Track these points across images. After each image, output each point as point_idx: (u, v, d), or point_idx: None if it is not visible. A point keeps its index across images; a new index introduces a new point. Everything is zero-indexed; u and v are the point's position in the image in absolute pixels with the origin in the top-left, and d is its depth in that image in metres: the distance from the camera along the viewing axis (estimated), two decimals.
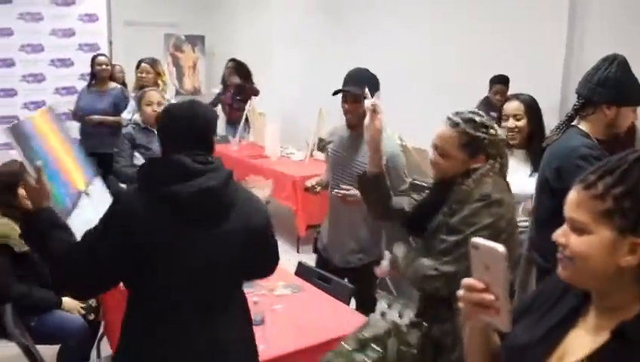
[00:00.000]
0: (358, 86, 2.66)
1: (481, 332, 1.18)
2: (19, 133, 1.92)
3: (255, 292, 2.59)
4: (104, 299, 2.98)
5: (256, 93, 6.76)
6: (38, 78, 7.67)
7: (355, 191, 2.68)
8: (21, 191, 2.78)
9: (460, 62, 5.27)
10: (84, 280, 1.69)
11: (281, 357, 2.16)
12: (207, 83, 8.54)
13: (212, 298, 1.76)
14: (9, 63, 7.47)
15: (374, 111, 2.10)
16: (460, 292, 1.10)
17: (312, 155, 5.71)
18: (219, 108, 7.21)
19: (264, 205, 2.02)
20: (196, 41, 8.63)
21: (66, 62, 7.71)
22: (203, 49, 8.69)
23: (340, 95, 2.86)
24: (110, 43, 7.96)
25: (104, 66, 5.27)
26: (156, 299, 1.73)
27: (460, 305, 1.11)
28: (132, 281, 1.75)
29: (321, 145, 5.58)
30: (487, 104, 4.75)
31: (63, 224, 1.78)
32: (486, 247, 1.06)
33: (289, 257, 4.50)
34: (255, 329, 2.15)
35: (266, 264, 2.00)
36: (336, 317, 2.47)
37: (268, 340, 2.19)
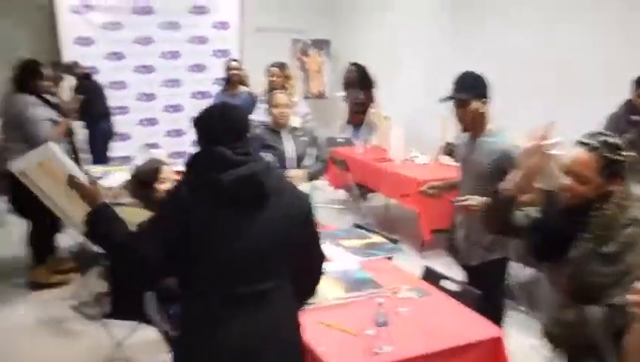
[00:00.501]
0: (464, 91, 2.82)
1: None
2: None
3: (379, 293, 2.57)
4: None
5: (372, 100, 6.77)
6: (176, 83, 8.16)
7: (474, 201, 2.68)
8: (159, 186, 2.98)
9: (595, 62, 4.96)
10: (145, 267, 1.81)
11: (407, 360, 2.13)
12: (331, 86, 8.65)
13: (255, 283, 1.82)
14: (150, 70, 8.00)
15: (543, 146, 2.03)
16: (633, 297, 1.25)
17: (437, 159, 5.63)
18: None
19: (308, 197, 2.07)
20: (322, 45, 8.78)
21: (200, 68, 8.15)
22: (328, 53, 8.81)
23: None
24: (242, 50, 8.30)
25: (235, 71, 5.50)
26: (201, 282, 1.83)
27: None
28: (183, 267, 1.84)
29: (448, 149, 5.47)
30: (629, 107, 4.43)
31: (120, 218, 1.93)
32: None
33: (414, 260, 4.45)
34: (379, 330, 2.16)
35: (312, 261, 2.03)
36: (464, 324, 2.40)
37: (392, 342, 2.17)
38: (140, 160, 3.95)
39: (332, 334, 2.31)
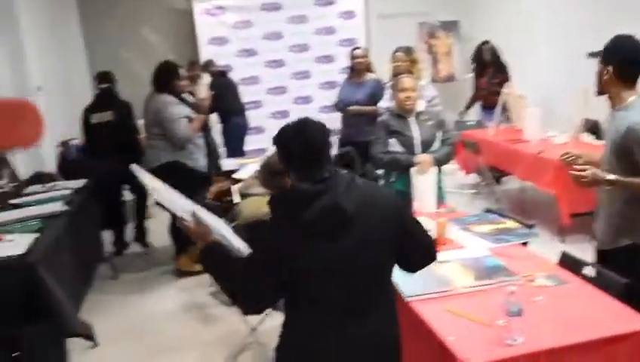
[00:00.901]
0: (607, 52, 2.61)
1: None
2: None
3: (512, 281, 2.45)
4: None
5: (506, 80, 6.45)
6: (305, 75, 8.31)
7: (589, 173, 2.53)
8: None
9: None
10: (254, 296, 1.91)
11: (543, 352, 2.00)
12: (461, 69, 8.37)
13: (356, 302, 1.87)
14: (280, 64, 8.22)
15: None
16: None
17: (577, 137, 5.25)
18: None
19: (393, 194, 2.13)
20: (450, 26, 8.52)
21: (328, 59, 8.24)
22: (458, 34, 8.54)
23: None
24: (368, 37, 8.27)
25: (360, 59, 5.49)
26: (303, 301, 1.89)
27: None
28: (288, 294, 1.91)
29: (590, 127, 5.09)
30: None
31: (228, 252, 2.07)
32: None
33: (551, 247, 4.21)
34: (512, 320, 2.05)
35: (416, 254, 2.06)
36: (606, 314, 2.21)
37: (526, 333, 2.05)
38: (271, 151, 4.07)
39: (461, 323, 2.23)
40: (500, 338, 2.06)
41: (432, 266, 2.30)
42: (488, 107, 6.58)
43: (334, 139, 6.69)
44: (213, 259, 2.03)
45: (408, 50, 5.01)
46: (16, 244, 3.39)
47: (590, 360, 2.05)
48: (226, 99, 7.05)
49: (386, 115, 4.00)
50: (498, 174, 5.93)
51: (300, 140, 1.88)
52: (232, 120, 7.08)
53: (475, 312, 2.27)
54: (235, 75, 7.70)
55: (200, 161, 4.70)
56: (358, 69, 5.50)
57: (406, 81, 3.88)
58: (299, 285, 1.87)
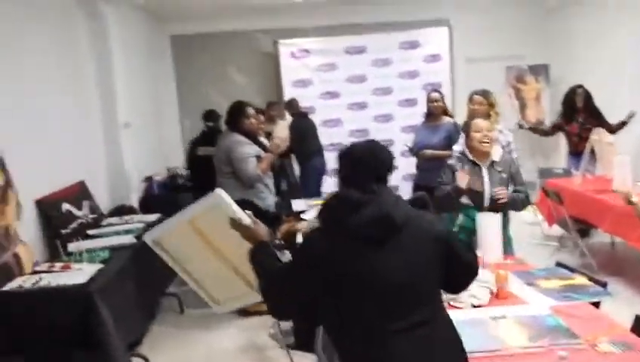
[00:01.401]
0: None
1: None
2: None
3: (571, 344, 2.22)
4: None
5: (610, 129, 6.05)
6: (387, 118, 8.26)
7: None
8: None
9: None
10: (280, 304, 1.99)
11: None
12: (551, 114, 8.02)
13: (408, 315, 1.83)
14: (362, 106, 8.23)
15: None
16: None
17: None
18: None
19: (436, 219, 2.13)
20: (540, 70, 8.22)
21: (411, 102, 8.15)
22: (547, 78, 8.22)
23: None
24: (452, 81, 8.13)
25: (435, 103, 5.37)
26: (353, 322, 1.85)
27: None
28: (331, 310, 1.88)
29: None
30: None
31: (274, 256, 2.14)
32: None
33: (633, 310, 3.82)
34: None
35: (459, 276, 2.08)
36: None
37: None
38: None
39: None
40: None
41: (485, 321, 2.31)
42: (577, 154, 6.22)
43: (409, 184, 6.64)
44: (261, 257, 2.13)
45: (485, 93, 4.83)
46: (81, 273, 3.51)
47: None
48: (305, 141, 7.12)
49: (455, 160, 3.84)
50: (584, 227, 5.54)
51: (369, 151, 1.98)
52: (311, 161, 7.11)
53: None
54: (317, 117, 7.77)
55: (268, 201, 4.71)
56: (434, 113, 5.38)
57: (481, 121, 3.72)
58: (345, 301, 1.84)
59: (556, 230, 6.06)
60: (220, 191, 2.42)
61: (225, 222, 2.35)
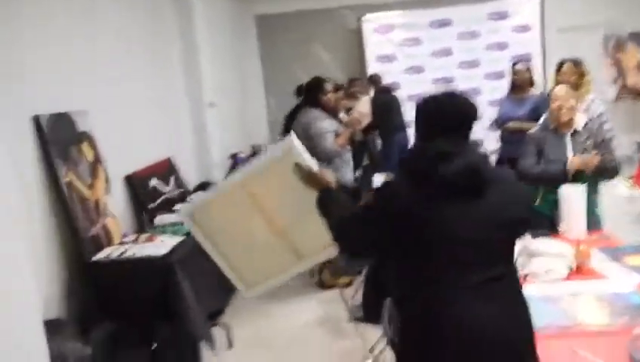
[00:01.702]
0: None
1: None
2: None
3: None
4: None
5: None
6: (475, 92, 7.99)
7: None
8: None
9: None
10: (353, 242, 2.01)
11: None
12: None
13: (485, 269, 1.80)
14: (448, 80, 8.01)
15: None
16: None
17: None
18: None
19: (526, 189, 2.14)
20: None
21: (499, 75, 7.84)
22: None
23: None
24: (544, 52, 7.75)
25: (520, 75, 5.14)
26: (429, 271, 1.83)
27: None
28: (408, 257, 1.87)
29: None
30: None
31: (342, 199, 2.18)
32: None
33: None
34: None
35: None
36: None
37: None
38: None
39: None
40: None
41: (563, 298, 2.26)
42: None
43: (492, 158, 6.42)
44: (330, 200, 2.15)
45: (576, 63, 4.55)
46: (164, 245, 3.65)
47: None
48: (388, 116, 7.03)
49: (538, 128, 3.66)
50: None
51: (454, 103, 1.91)
52: (394, 136, 7.02)
53: (598, 353, 1.95)
54: (401, 93, 7.66)
55: (347, 176, 4.69)
56: (518, 85, 5.15)
57: (559, 89, 3.53)
58: (423, 250, 1.83)
59: None
60: (292, 136, 2.39)
61: (281, 182, 2.34)
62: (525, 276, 2.63)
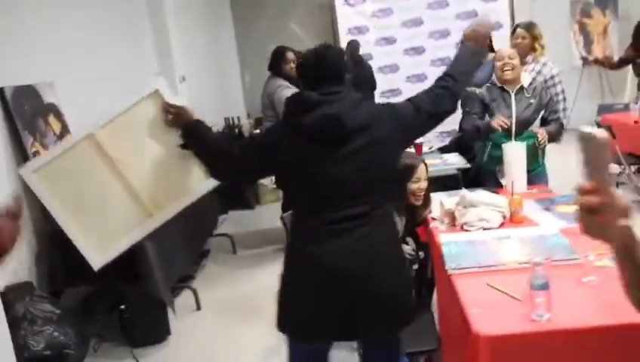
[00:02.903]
0: None
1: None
2: None
3: (568, 260, 2.24)
4: (435, 262, 2.95)
5: None
6: (445, 62, 8.06)
7: None
8: (410, 185, 2.82)
9: None
10: (231, 167, 2.20)
11: (562, 332, 1.82)
12: (619, 49, 7.63)
13: (345, 208, 2.01)
14: (419, 51, 8.11)
15: None
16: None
17: None
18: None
19: (385, 105, 2.20)
20: (607, 3, 7.80)
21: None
22: (615, 12, 7.78)
23: None
24: (513, 19, 7.86)
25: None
26: (298, 205, 2.15)
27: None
28: (284, 189, 2.24)
29: None
30: None
31: (209, 130, 2.35)
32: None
33: None
34: (536, 294, 1.88)
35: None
36: None
37: (559, 311, 1.87)
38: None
39: (495, 297, 2.09)
40: (527, 314, 1.91)
41: (488, 241, 2.40)
42: None
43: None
44: (200, 132, 2.28)
45: (530, 26, 4.67)
46: None
47: (608, 344, 1.81)
48: (358, 89, 7.14)
49: (485, 89, 3.81)
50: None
51: (317, 54, 2.12)
52: None
53: (515, 287, 2.12)
54: (374, 64, 7.76)
55: None
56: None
57: (504, 50, 3.70)
58: (292, 187, 2.10)
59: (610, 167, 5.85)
60: (160, 80, 2.69)
61: (138, 130, 2.53)
62: (462, 225, 2.80)
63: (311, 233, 2.06)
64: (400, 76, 8.10)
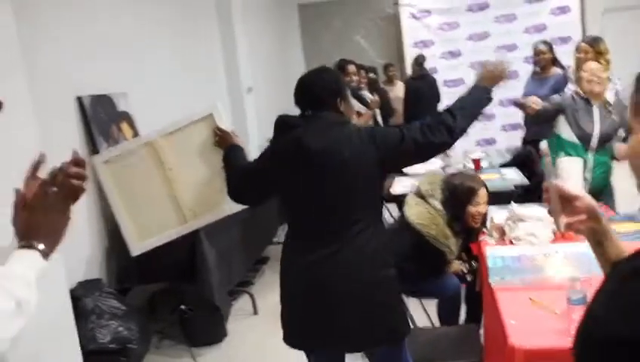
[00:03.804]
0: None
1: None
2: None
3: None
4: (482, 275, 2.98)
5: None
6: (512, 75, 7.98)
7: None
8: (470, 208, 2.88)
9: None
10: (237, 190, 2.35)
11: None
12: None
13: (323, 231, 2.11)
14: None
15: None
16: None
17: None
18: None
19: (369, 130, 2.18)
20: None
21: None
22: None
23: None
24: (584, 34, 7.70)
25: (541, 55, 5.21)
26: (287, 221, 2.28)
27: None
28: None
29: None
30: None
31: (242, 157, 2.52)
32: None
33: None
34: (573, 309, 1.90)
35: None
36: None
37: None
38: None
39: (534, 311, 2.12)
40: (565, 329, 1.94)
41: (534, 257, 2.44)
42: None
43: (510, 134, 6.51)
44: (231, 156, 2.50)
45: (594, 41, 4.61)
46: None
47: None
48: (416, 104, 7.16)
49: (568, 95, 3.79)
50: None
51: (301, 78, 2.25)
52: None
53: (557, 304, 2.14)
54: (439, 77, 7.77)
55: None
56: (541, 65, 5.23)
57: (592, 63, 3.70)
58: (282, 206, 2.26)
59: None
60: (217, 103, 2.87)
61: (191, 145, 2.81)
62: (511, 240, 2.82)
63: (291, 246, 2.22)
64: (464, 89, 8.03)
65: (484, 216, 2.97)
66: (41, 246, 1.14)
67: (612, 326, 0.80)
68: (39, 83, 3.33)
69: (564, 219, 1.17)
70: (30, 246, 1.13)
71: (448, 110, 2.19)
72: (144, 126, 4.29)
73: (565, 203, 1.17)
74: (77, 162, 1.22)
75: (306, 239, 2.16)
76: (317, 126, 2.12)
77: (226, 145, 2.62)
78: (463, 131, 2.16)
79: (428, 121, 2.16)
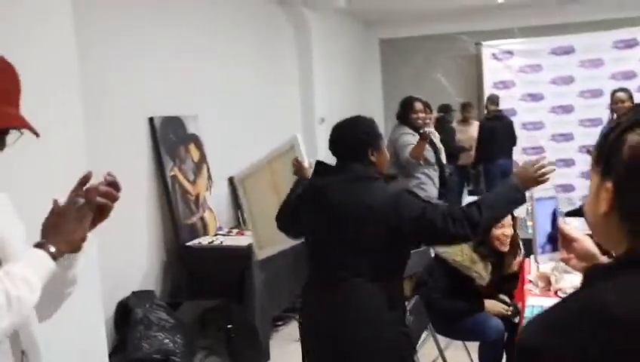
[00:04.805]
0: None
1: None
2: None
3: None
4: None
5: None
6: (596, 123, 7.75)
7: None
8: (495, 232, 2.95)
9: None
10: (284, 222, 2.53)
11: None
12: None
13: (330, 270, 2.22)
14: (567, 109, 7.85)
15: None
16: None
17: None
18: None
19: (391, 195, 2.17)
20: None
21: None
22: None
23: None
24: None
25: (619, 104, 5.02)
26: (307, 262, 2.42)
27: None
28: None
29: None
30: None
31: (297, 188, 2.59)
32: None
33: None
34: None
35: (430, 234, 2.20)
36: None
37: None
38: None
39: None
40: None
41: None
42: None
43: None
44: (294, 189, 2.57)
45: (628, 91, 4.44)
46: (249, 239, 4.09)
47: None
48: (490, 143, 7.05)
49: None
50: None
51: (334, 129, 2.34)
52: (494, 163, 7.06)
53: None
54: (517, 119, 7.64)
55: (431, 192, 4.85)
56: (619, 114, 5.04)
57: None
58: (305, 247, 2.41)
59: None
60: (297, 134, 2.98)
61: (278, 172, 2.94)
62: (556, 291, 2.73)
63: (306, 290, 2.37)
64: (545, 134, 7.87)
65: (515, 241, 3.06)
66: (53, 249, 1.24)
67: None
68: (113, 103, 3.57)
69: (563, 254, 1.31)
70: (42, 246, 1.23)
71: (477, 205, 2.10)
72: (211, 149, 4.47)
73: (567, 242, 1.31)
74: (110, 183, 1.33)
75: (317, 279, 2.33)
76: (344, 178, 2.20)
77: (300, 177, 2.66)
78: (485, 229, 2.22)
79: (455, 209, 2.14)
